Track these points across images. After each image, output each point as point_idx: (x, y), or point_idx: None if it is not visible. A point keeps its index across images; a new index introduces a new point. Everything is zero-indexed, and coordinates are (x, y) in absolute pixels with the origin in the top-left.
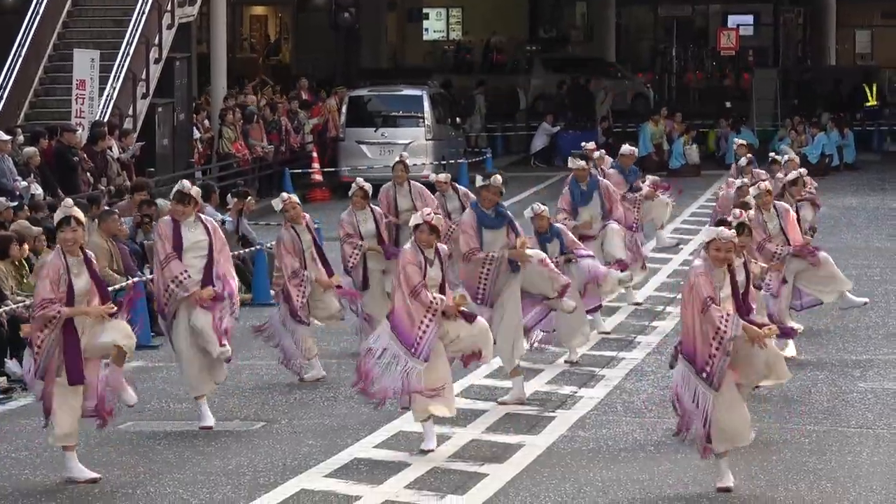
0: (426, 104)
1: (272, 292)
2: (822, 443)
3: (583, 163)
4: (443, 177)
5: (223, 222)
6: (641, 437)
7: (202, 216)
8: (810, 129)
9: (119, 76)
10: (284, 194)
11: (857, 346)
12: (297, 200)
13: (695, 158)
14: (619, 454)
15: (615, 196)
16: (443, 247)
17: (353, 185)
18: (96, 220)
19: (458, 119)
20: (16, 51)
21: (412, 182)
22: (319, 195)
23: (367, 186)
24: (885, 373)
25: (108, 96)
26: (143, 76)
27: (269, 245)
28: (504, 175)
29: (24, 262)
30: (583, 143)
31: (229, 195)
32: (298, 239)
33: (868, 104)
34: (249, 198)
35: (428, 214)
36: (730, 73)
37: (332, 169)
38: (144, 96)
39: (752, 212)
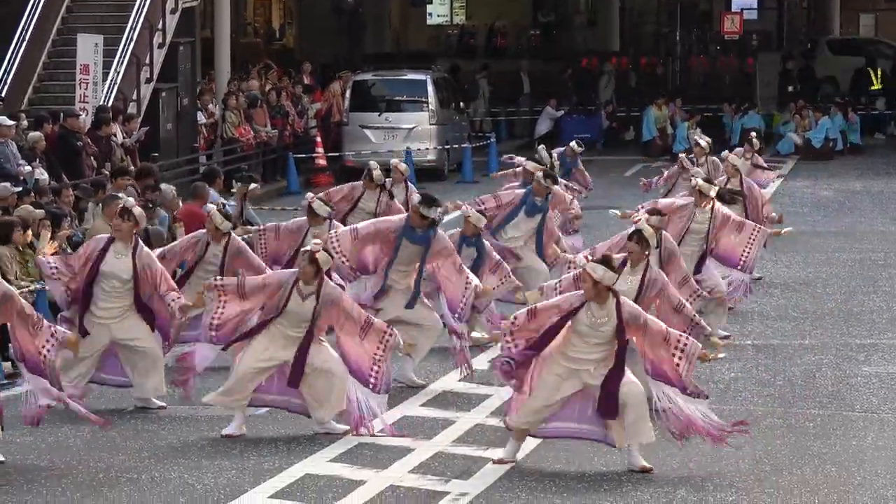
0: (430, 88)
1: None
2: (827, 427)
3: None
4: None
5: (223, 205)
6: None
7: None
8: (814, 113)
9: (123, 61)
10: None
11: (862, 330)
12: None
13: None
14: None
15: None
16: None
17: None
18: (100, 205)
19: (461, 103)
20: (19, 35)
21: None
22: (323, 180)
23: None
24: (889, 357)
25: (111, 81)
26: (147, 61)
27: None
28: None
29: (28, 247)
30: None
31: (233, 180)
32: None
33: (873, 88)
34: (254, 183)
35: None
36: (733, 57)
37: (336, 153)
38: (148, 81)
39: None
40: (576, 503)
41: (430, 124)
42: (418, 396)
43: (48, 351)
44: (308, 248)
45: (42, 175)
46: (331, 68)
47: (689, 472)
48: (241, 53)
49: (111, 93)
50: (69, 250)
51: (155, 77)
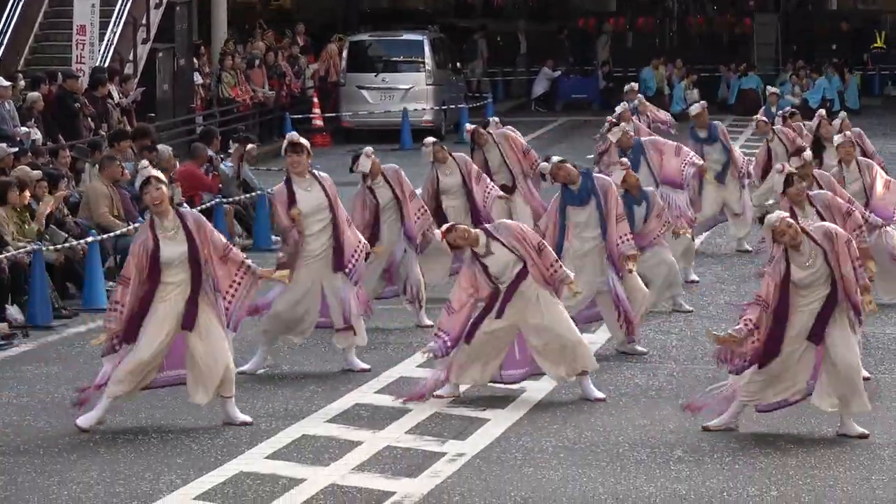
0: (427, 49)
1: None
2: None
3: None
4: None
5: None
6: (643, 383)
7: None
8: (811, 73)
9: (119, 21)
10: (368, 149)
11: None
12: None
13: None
14: (621, 399)
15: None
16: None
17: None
18: (97, 166)
19: (458, 64)
20: None
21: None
22: (320, 140)
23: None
24: (885, 318)
25: (108, 42)
26: (144, 21)
27: (269, 191)
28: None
29: (25, 207)
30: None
31: (230, 140)
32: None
33: (875, 46)
34: (251, 144)
35: None
36: (730, 17)
37: (333, 114)
38: (145, 41)
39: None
40: (573, 464)
41: (427, 85)
42: (415, 357)
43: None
44: None
45: (37, 135)
46: (331, 29)
47: (686, 432)
48: (238, 14)
49: (108, 53)
50: (66, 211)
51: (151, 38)
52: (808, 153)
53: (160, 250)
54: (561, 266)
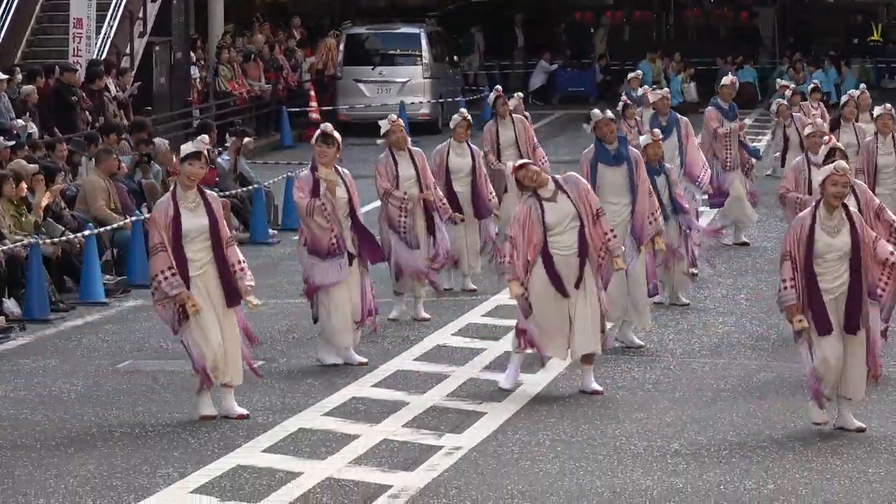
0: (424, 42)
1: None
2: None
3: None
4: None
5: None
6: (640, 376)
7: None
8: (808, 66)
9: (116, 15)
10: (393, 115)
11: None
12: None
13: (693, 96)
14: (618, 392)
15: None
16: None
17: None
18: (94, 159)
19: (455, 57)
20: None
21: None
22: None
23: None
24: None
25: (105, 35)
26: (141, 15)
27: (266, 184)
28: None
29: (22, 201)
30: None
31: (227, 134)
32: (394, 164)
33: (872, 38)
34: (247, 137)
35: None
36: (727, 10)
37: (330, 107)
38: (142, 35)
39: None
40: (569, 457)
41: (424, 78)
42: (412, 351)
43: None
44: None
45: (33, 129)
46: (333, 25)
47: (683, 425)
48: (235, 7)
49: (104, 47)
50: (63, 204)
51: (148, 31)
52: (819, 122)
53: (181, 217)
54: (615, 236)
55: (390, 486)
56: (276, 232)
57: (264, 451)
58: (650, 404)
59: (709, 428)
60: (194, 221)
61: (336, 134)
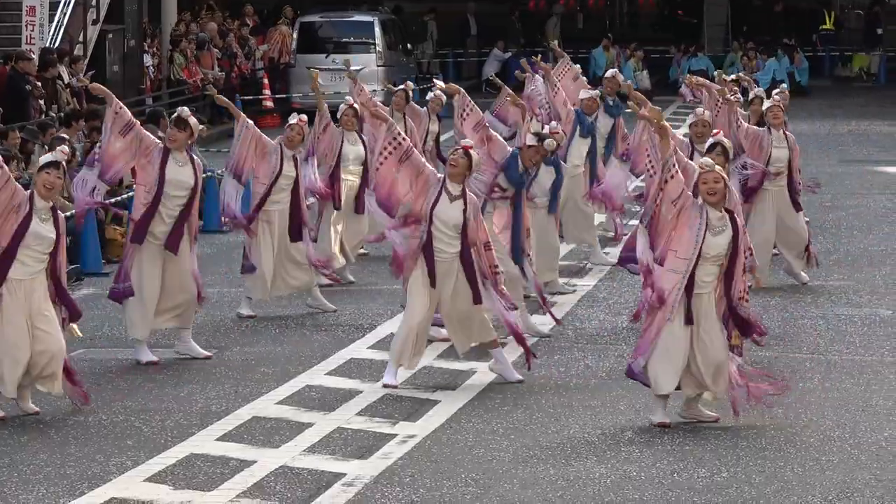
0: (377, 30)
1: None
2: (774, 369)
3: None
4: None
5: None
6: (593, 364)
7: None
8: (761, 55)
9: (69, 2)
10: (304, 116)
11: (808, 272)
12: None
13: (646, 83)
14: (571, 381)
15: None
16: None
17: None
18: (47, 147)
19: (409, 45)
20: None
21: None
22: (270, 121)
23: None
24: (836, 299)
25: (58, 22)
26: (94, 2)
27: (219, 172)
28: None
29: None
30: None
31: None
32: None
33: (824, 28)
34: (201, 125)
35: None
36: None
37: (284, 95)
38: (95, 22)
39: None
40: (523, 445)
41: (378, 66)
42: (366, 339)
43: None
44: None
45: None
46: (277, 12)
47: (636, 413)
48: None
49: (58, 34)
50: None
51: (101, 18)
52: (699, 110)
53: (31, 224)
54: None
55: (344, 475)
56: (227, 220)
57: (218, 439)
58: (603, 392)
59: (674, 414)
60: (41, 231)
61: (192, 119)
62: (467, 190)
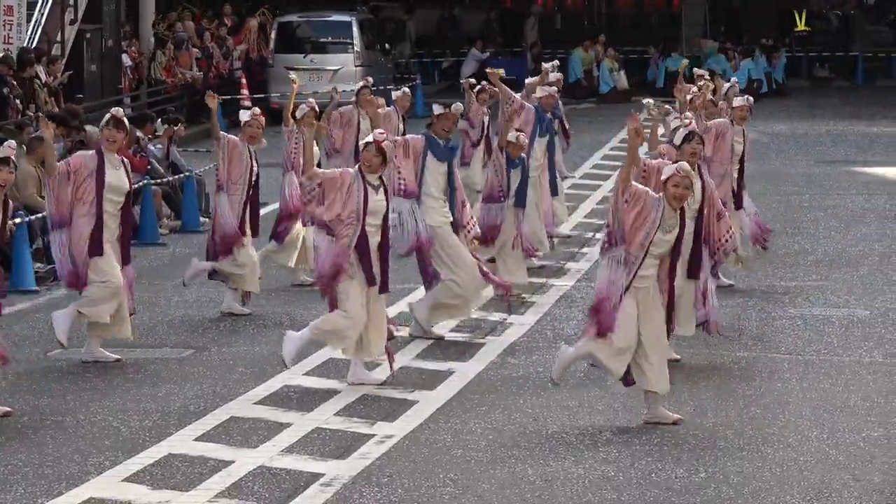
0: (355, 30)
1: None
2: (751, 369)
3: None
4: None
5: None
6: (571, 364)
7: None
8: (739, 55)
9: (47, 2)
10: (257, 109)
11: (786, 272)
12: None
13: (623, 83)
14: (549, 381)
15: None
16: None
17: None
18: (24, 147)
19: (387, 45)
20: None
21: None
22: None
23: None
24: (813, 299)
25: (35, 22)
26: (72, 2)
27: (198, 172)
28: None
29: None
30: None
31: (159, 122)
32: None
33: (797, 29)
34: (179, 125)
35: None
36: None
37: (262, 95)
38: (73, 22)
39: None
40: (501, 445)
41: (356, 66)
42: None
43: None
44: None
45: None
46: (254, 10)
47: (615, 413)
48: None
49: (35, 34)
50: None
51: (79, 18)
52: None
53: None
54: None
55: (322, 475)
56: (207, 220)
57: (196, 439)
58: (581, 393)
59: (640, 416)
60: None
61: (125, 120)
62: (383, 177)
